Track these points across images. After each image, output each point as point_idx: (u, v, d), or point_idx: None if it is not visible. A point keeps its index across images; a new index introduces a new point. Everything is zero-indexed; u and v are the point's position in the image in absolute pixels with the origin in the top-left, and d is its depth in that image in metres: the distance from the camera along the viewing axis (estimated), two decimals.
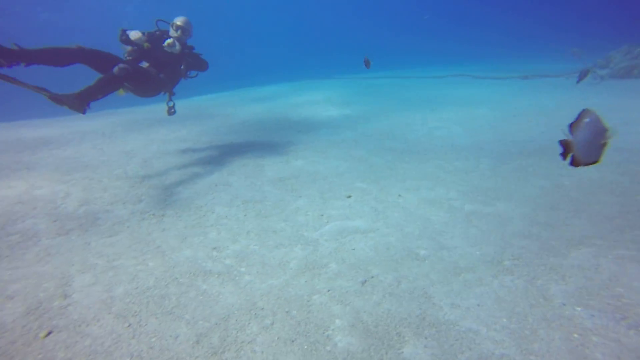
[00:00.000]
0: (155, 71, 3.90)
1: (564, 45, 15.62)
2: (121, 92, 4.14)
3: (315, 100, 8.35)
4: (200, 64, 4.30)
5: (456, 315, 1.68)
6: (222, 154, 4.56)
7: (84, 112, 3.12)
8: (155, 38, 4.00)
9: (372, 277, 2.04)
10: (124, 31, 3.83)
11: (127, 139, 5.49)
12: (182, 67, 4.16)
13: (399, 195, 3.15)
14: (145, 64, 3.87)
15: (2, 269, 2.20)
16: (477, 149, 4.38)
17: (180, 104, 5.46)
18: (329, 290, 1.94)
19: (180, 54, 4.03)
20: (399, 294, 1.87)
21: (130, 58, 3.89)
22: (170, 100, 4.34)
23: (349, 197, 3.18)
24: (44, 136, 5.81)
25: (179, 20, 4.05)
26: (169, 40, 3.83)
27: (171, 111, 4.34)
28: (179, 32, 4.03)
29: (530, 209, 2.76)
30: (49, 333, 1.69)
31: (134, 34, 3.82)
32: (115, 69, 3.35)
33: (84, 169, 4.09)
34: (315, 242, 2.47)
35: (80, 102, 3.02)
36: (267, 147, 4.81)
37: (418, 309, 1.74)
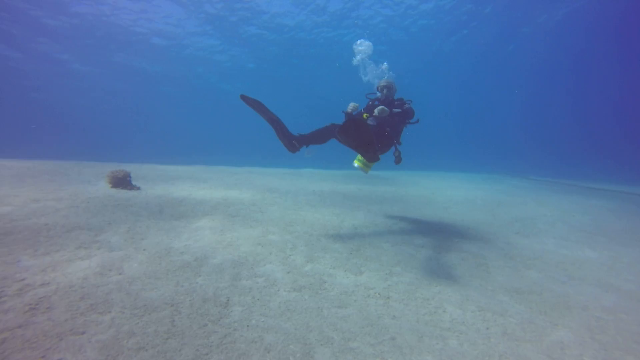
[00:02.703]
0: (382, 128, 4.17)
1: None
2: (367, 170, 4.48)
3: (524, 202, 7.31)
4: (405, 111, 4.36)
5: None
6: (434, 238, 4.21)
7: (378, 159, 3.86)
8: (370, 107, 4.43)
9: None
10: (345, 113, 4.31)
11: (335, 201, 5.86)
12: (397, 120, 4.33)
13: None
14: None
15: (256, 313, 2.28)
16: None
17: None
18: None
19: (395, 114, 4.26)
20: None
21: None
22: (397, 150, 4.51)
23: None
24: (270, 184, 6.85)
25: (382, 82, 4.47)
26: (378, 108, 4.06)
27: (399, 159, 4.51)
28: (385, 91, 4.41)
29: None
30: None
31: (351, 107, 4.26)
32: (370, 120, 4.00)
33: (303, 223, 4.42)
34: None
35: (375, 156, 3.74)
36: (484, 242, 4.20)
37: None
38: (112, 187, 5.21)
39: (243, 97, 3.78)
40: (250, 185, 7.02)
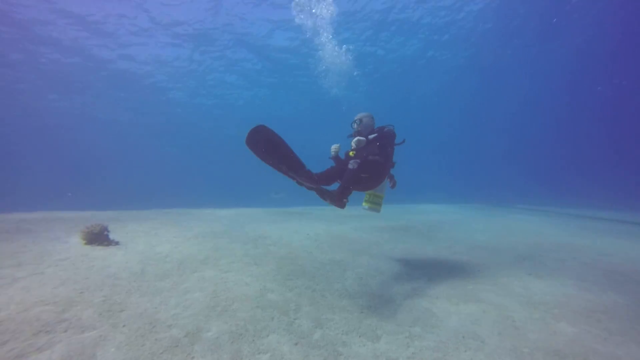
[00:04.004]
0: (372, 158, 3.98)
1: None
2: (379, 209, 4.24)
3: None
4: (383, 133, 4.19)
5: None
6: (447, 285, 3.85)
7: (343, 207, 3.40)
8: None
9: None
10: (333, 159, 4.24)
11: (333, 246, 5.47)
12: (378, 144, 4.10)
13: None
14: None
15: None
16: None
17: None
18: None
19: (372, 139, 4.09)
20: None
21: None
22: (389, 173, 4.36)
23: None
24: (261, 229, 6.42)
25: (357, 116, 4.36)
26: (354, 140, 3.91)
27: (393, 182, 4.40)
28: (355, 125, 4.34)
29: None
30: None
31: (333, 150, 4.15)
32: (351, 164, 3.66)
33: (303, 276, 4.00)
34: None
35: (340, 200, 3.34)
36: (500, 288, 3.87)
37: None
38: (86, 244, 4.67)
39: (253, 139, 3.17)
40: (239, 230, 6.56)
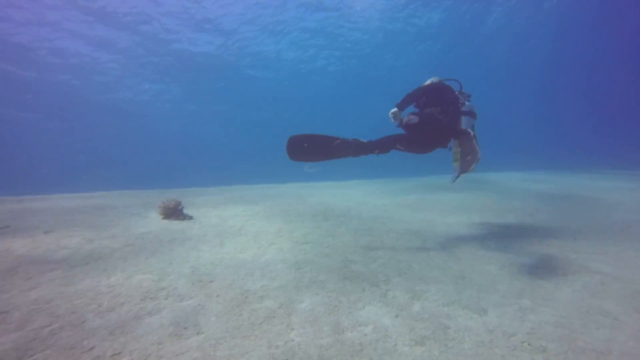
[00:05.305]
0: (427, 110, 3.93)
1: None
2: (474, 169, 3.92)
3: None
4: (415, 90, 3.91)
5: None
6: (543, 255, 3.43)
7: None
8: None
9: None
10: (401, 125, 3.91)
11: (405, 216, 5.20)
12: (424, 99, 4.00)
13: None
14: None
15: None
16: None
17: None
18: None
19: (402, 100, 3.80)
20: None
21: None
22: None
23: None
24: (325, 202, 6.30)
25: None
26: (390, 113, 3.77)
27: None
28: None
29: None
30: None
31: (392, 115, 3.81)
32: (410, 118, 3.78)
33: (382, 246, 3.81)
34: None
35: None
36: (610, 257, 3.37)
37: None
38: (163, 218, 4.85)
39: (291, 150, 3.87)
40: (304, 204, 6.50)
